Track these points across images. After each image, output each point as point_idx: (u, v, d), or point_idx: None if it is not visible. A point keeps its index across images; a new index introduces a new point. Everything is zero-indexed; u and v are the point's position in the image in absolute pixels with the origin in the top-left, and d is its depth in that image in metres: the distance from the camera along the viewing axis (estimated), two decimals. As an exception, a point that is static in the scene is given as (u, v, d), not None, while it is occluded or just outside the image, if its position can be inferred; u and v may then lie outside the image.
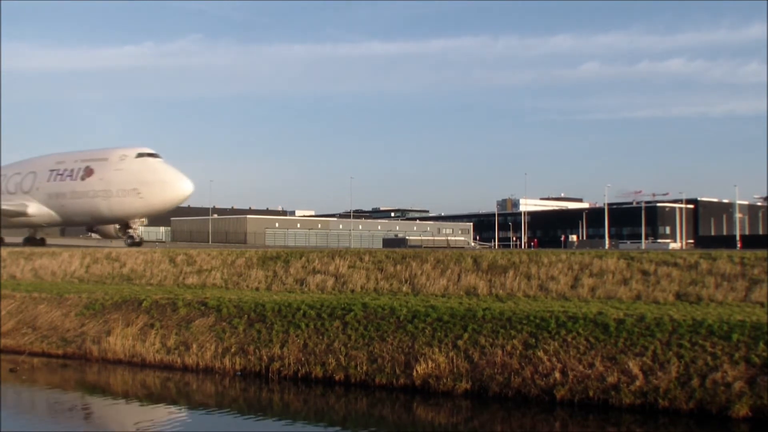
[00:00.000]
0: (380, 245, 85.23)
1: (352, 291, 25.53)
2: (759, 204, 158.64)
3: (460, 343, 18.94)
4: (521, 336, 18.50)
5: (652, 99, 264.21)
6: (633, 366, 16.66)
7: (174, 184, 47.88)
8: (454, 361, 18.50)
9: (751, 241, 66.83)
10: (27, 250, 39.33)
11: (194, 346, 22.27)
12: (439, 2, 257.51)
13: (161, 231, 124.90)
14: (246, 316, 22.85)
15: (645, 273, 22.48)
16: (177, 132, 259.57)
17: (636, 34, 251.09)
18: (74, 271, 33.87)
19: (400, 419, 17.63)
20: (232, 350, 21.64)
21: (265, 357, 21.02)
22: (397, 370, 18.98)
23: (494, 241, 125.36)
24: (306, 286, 26.86)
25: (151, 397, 20.39)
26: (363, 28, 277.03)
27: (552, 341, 18.00)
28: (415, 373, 18.62)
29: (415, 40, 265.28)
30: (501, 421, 16.61)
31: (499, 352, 18.28)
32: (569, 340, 17.90)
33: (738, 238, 70.93)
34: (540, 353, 17.79)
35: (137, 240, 49.25)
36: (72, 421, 18.18)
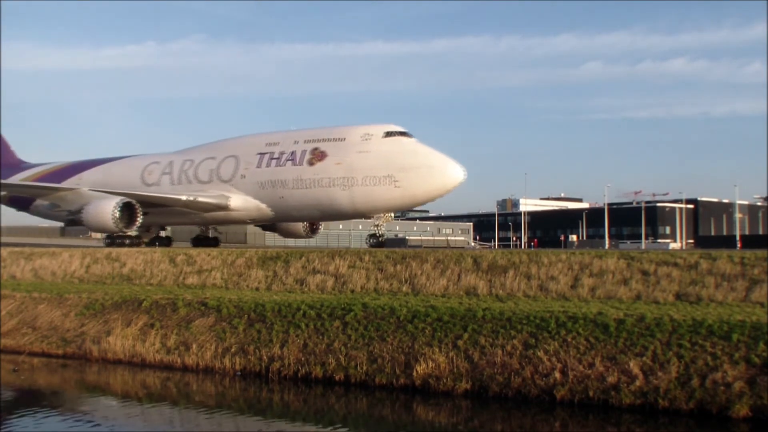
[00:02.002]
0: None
1: (352, 291, 25.53)
2: (759, 204, 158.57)
3: (460, 343, 18.94)
4: (521, 336, 18.50)
5: (654, 99, 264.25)
6: (633, 366, 16.66)
7: (443, 170, 37.36)
8: (454, 361, 18.50)
9: (751, 241, 66.81)
10: (27, 250, 39.30)
11: (194, 346, 22.27)
12: (442, 2, 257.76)
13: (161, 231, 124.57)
14: (246, 316, 22.85)
15: (645, 273, 22.48)
16: (178, 132, 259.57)
17: (638, 34, 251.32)
18: (74, 271, 33.87)
19: (400, 419, 17.63)
20: (232, 350, 21.64)
21: (265, 357, 21.02)
22: (397, 370, 18.98)
23: (494, 241, 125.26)
24: (306, 286, 26.86)
25: (151, 397, 20.39)
26: (365, 27, 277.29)
27: (552, 341, 18.00)
28: (415, 373, 18.62)
29: (418, 40, 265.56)
30: (501, 421, 16.62)
31: (499, 352, 18.28)
32: (569, 340, 17.90)
33: (738, 238, 70.88)
34: (540, 353, 17.79)
35: (382, 239, 39.40)
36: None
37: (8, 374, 22.72)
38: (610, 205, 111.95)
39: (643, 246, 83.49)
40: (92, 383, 22.10)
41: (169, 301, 25.06)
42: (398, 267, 26.06)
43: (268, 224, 47.92)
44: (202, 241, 50.36)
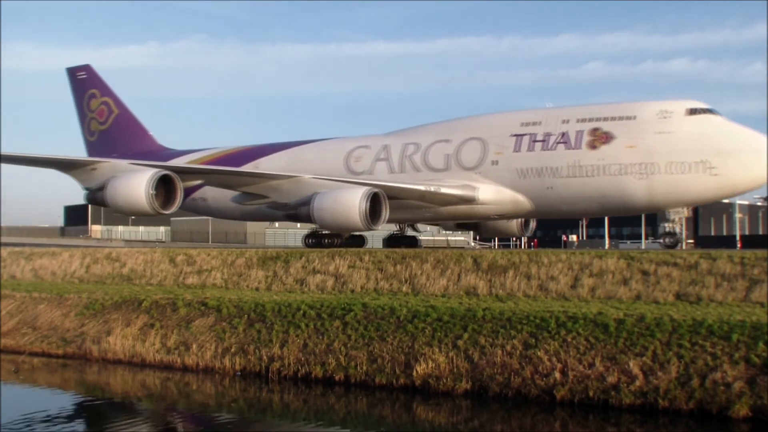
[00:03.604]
0: (380, 245, 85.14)
1: (352, 291, 25.54)
2: (759, 204, 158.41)
3: (460, 343, 18.94)
4: (521, 336, 18.50)
5: (656, 99, 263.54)
6: (633, 366, 16.67)
7: None
8: (454, 361, 18.51)
9: (751, 241, 66.77)
10: (27, 250, 39.33)
11: (194, 346, 22.28)
12: (443, 2, 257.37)
13: (161, 231, 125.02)
14: (246, 316, 22.86)
15: (645, 273, 22.48)
16: (179, 131, 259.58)
17: (640, 34, 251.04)
18: (74, 271, 33.88)
19: (400, 419, 17.65)
20: (232, 350, 21.65)
21: (265, 357, 21.03)
22: (397, 370, 18.99)
23: (494, 241, 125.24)
24: (306, 286, 26.87)
25: (151, 397, 20.41)
26: (367, 28, 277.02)
27: (552, 341, 18.01)
28: (415, 373, 18.63)
29: (419, 40, 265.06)
30: (501, 421, 16.63)
31: (499, 352, 18.29)
32: (569, 340, 17.91)
33: (738, 238, 70.85)
34: (540, 353, 17.79)
35: (678, 237, 33.56)
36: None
37: (8, 374, 22.74)
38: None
39: (643, 246, 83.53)
40: (92, 383, 22.11)
41: (169, 301, 25.07)
42: (398, 267, 26.07)
43: (472, 222, 41.05)
44: (398, 240, 43.49)
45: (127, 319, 24.55)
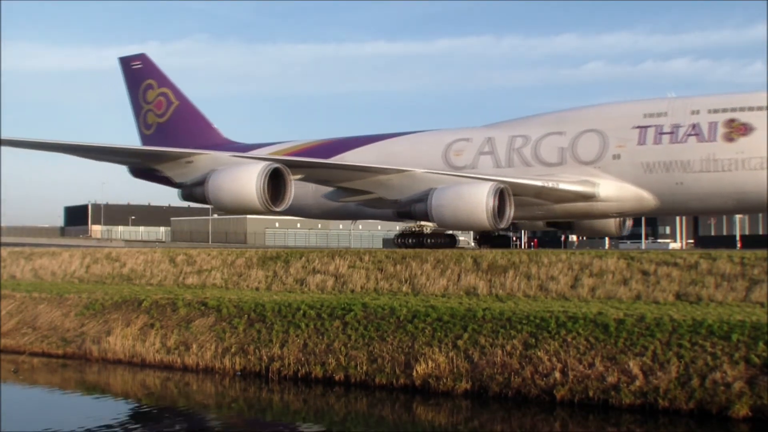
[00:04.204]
0: (380, 245, 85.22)
1: (352, 291, 25.54)
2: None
3: (460, 343, 18.94)
4: (521, 336, 18.50)
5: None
6: (633, 366, 16.67)
7: None
8: (454, 361, 18.51)
9: (751, 241, 66.77)
10: (27, 250, 39.33)
11: (194, 346, 22.28)
12: (443, 2, 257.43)
13: (161, 231, 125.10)
14: (246, 316, 22.86)
15: (645, 273, 22.48)
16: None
17: (641, 33, 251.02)
18: (74, 271, 33.89)
19: (400, 419, 17.65)
20: (232, 350, 21.65)
21: (265, 357, 21.03)
22: (397, 370, 18.99)
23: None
24: (306, 286, 26.87)
25: (151, 397, 20.41)
26: (367, 28, 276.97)
27: (552, 341, 18.01)
28: (415, 373, 18.63)
29: (419, 40, 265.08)
30: (501, 421, 16.63)
31: (499, 352, 18.29)
32: (569, 340, 17.91)
33: (738, 238, 70.84)
34: (540, 353, 17.79)
35: None
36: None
37: (8, 374, 22.74)
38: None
39: (643, 246, 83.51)
40: (92, 383, 22.11)
41: (169, 301, 25.07)
42: (398, 267, 26.07)
43: (570, 220, 38.65)
44: (491, 240, 40.31)
45: (127, 319, 24.55)
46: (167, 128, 46.34)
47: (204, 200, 31.77)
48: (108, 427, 17.36)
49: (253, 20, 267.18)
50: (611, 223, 38.83)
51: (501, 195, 30.56)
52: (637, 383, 16.34)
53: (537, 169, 33.79)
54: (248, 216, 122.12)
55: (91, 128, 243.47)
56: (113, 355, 23.39)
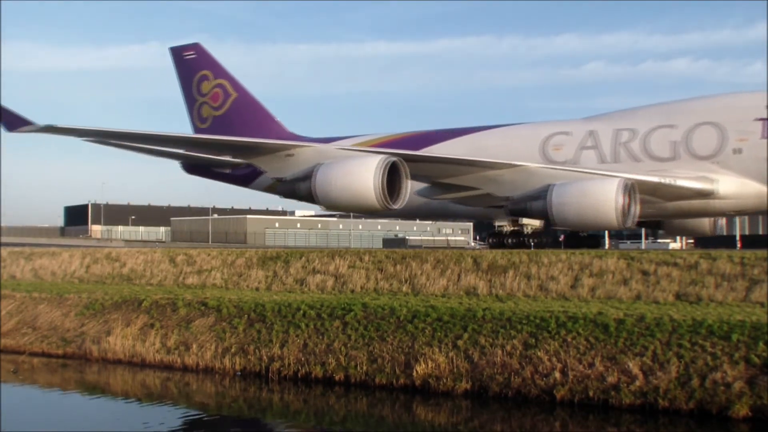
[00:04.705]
0: (380, 245, 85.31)
1: (352, 291, 25.54)
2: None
3: (460, 343, 18.94)
4: (521, 336, 18.50)
5: (657, 99, 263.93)
6: (633, 366, 16.67)
7: None
8: (454, 361, 18.50)
9: (751, 241, 66.69)
10: (27, 250, 39.32)
11: (194, 346, 22.28)
12: (443, 2, 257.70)
13: (161, 231, 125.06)
14: (246, 316, 22.86)
15: (645, 273, 22.48)
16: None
17: (641, 33, 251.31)
18: (74, 271, 33.89)
19: (400, 419, 17.65)
20: (232, 350, 21.65)
21: (265, 357, 21.03)
22: (397, 370, 18.99)
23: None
24: (306, 286, 26.87)
25: (151, 397, 20.41)
26: (367, 28, 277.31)
27: (552, 341, 18.00)
28: (415, 373, 18.63)
29: (420, 40, 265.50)
30: (501, 421, 16.63)
31: (499, 352, 18.29)
32: (569, 340, 17.91)
33: (738, 238, 70.77)
34: (540, 353, 17.79)
35: None
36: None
37: (8, 374, 22.74)
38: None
39: (643, 246, 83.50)
40: (92, 383, 22.11)
41: (169, 301, 25.07)
42: (398, 267, 26.06)
43: (658, 220, 36.59)
44: (579, 240, 38.32)
45: (127, 319, 24.55)
46: (225, 122, 44.00)
47: (308, 197, 30.01)
48: (108, 427, 17.37)
49: (252, 20, 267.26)
50: (705, 223, 37.21)
51: (629, 192, 28.58)
52: (637, 383, 16.34)
53: (647, 164, 31.51)
54: (248, 216, 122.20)
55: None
56: (113, 355, 23.40)
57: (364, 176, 27.71)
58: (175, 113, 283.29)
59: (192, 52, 45.25)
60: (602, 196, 28.16)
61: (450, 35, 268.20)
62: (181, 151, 40.65)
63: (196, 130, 45.49)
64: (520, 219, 31.83)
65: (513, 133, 36.09)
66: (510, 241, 32.36)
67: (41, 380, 22.78)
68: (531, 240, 31.97)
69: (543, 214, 30.03)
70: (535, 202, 29.98)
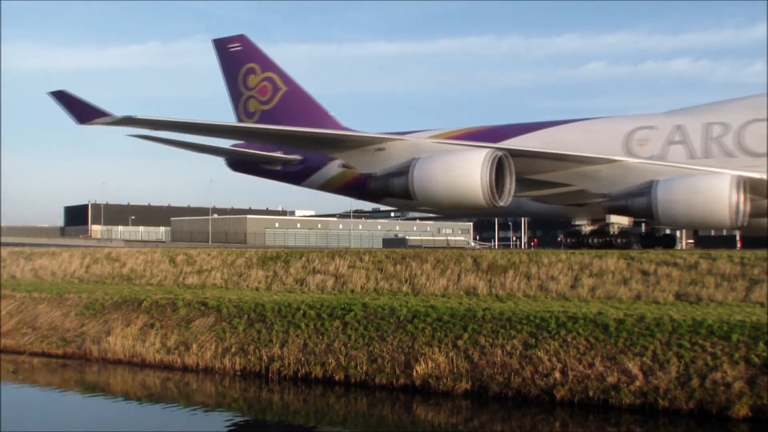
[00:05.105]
0: (380, 245, 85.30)
1: (352, 291, 25.54)
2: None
3: (460, 343, 18.94)
4: (521, 336, 18.50)
5: (657, 99, 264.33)
6: (633, 366, 16.67)
7: None
8: (454, 361, 18.50)
9: (751, 241, 66.69)
10: (27, 250, 39.32)
11: (194, 346, 22.28)
12: (443, 2, 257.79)
13: (161, 231, 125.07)
14: (246, 316, 22.85)
15: (645, 273, 22.48)
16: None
17: (641, 34, 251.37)
18: (74, 271, 33.89)
19: (400, 419, 17.64)
20: (232, 350, 21.65)
21: (265, 357, 21.02)
22: (397, 370, 18.98)
23: (494, 241, 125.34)
24: (306, 286, 26.87)
25: (151, 397, 20.41)
26: (368, 28, 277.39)
27: (552, 341, 18.00)
28: (415, 373, 18.63)
29: (420, 40, 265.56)
30: (501, 421, 16.62)
31: (499, 352, 18.28)
32: (569, 340, 17.90)
33: (738, 238, 70.77)
34: (540, 353, 17.79)
35: None
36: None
37: (8, 374, 22.74)
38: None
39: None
40: (92, 383, 22.11)
41: (169, 301, 25.07)
42: (398, 267, 26.06)
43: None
44: (652, 240, 36.54)
45: (127, 319, 24.55)
46: (273, 116, 41.87)
47: (404, 194, 28.42)
48: (108, 427, 17.38)
49: (253, 20, 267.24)
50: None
51: (742, 189, 26.61)
52: (637, 383, 16.34)
53: (742, 160, 29.21)
54: (248, 216, 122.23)
55: (93, 128, 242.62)
56: (113, 355, 23.39)
57: (469, 171, 26.40)
58: (175, 113, 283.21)
59: (237, 44, 43.32)
60: (714, 193, 26.30)
61: (450, 35, 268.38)
62: (228, 147, 39.60)
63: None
64: (607, 217, 30.38)
65: (592, 127, 34.35)
66: (594, 240, 31.01)
67: (41, 380, 22.78)
68: (619, 240, 30.41)
69: (647, 212, 28.31)
70: (638, 198, 28.31)
